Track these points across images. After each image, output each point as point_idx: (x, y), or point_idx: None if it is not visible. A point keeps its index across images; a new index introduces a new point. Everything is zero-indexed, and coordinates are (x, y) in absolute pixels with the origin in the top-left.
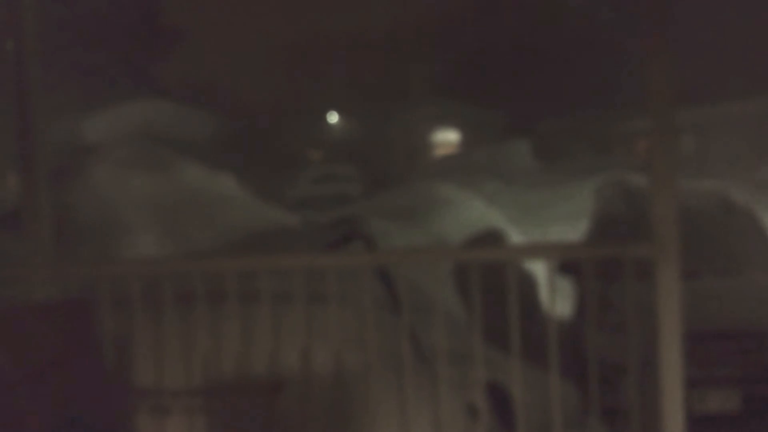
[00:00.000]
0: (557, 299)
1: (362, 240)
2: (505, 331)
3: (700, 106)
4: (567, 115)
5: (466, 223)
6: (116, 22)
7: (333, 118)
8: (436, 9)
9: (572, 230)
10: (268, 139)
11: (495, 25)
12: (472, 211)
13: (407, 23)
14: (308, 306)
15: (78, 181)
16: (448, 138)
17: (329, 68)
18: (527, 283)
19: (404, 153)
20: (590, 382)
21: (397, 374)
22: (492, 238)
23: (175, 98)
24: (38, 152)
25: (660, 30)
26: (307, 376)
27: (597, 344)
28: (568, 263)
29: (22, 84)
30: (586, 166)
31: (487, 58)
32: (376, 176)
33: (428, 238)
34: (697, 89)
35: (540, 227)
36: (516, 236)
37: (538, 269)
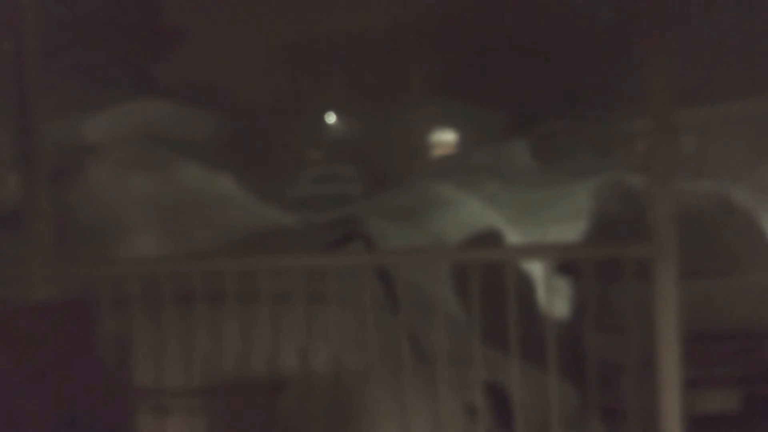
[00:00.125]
0: (555, 299)
1: (361, 240)
2: (504, 331)
3: (699, 106)
4: (566, 116)
5: (465, 223)
6: (116, 22)
7: (331, 118)
8: (436, 9)
9: (571, 230)
10: (268, 139)
11: (494, 26)
12: (470, 212)
13: (407, 23)
14: (308, 306)
15: (78, 181)
16: (447, 138)
17: (329, 68)
18: (526, 284)
19: (404, 153)
20: (589, 382)
21: (397, 374)
22: (491, 238)
23: (175, 98)
24: (38, 152)
25: (660, 30)
26: (307, 376)
27: (595, 344)
28: (566, 263)
29: (21, 84)
30: (585, 167)
31: (486, 58)
32: (375, 176)
33: (427, 239)
34: (697, 89)
35: (539, 227)
36: (515, 236)
37: (537, 269)
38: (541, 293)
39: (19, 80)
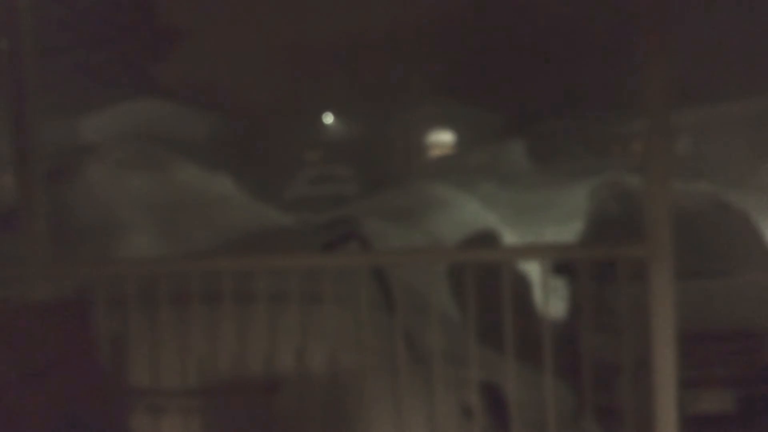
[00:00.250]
0: (552, 300)
1: (358, 240)
2: (501, 332)
3: (696, 107)
4: (563, 117)
5: (462, 223)
6: (115, 22)
7: (329, 118)
8: (434, 10)
9: (568, 231)
10: (266, 139)
11: (491, 26)
12: (468, 212)
13: (404, 24)
14: (304, 306)
15: (76, 181)
16: (444, 139)
17: (327, 69)
18: (522, 284)
19: (401, 153)
20: (585, 382)
21: (393, 374)
22: (487, 238)
23: (174, 98)
24: (35, 152)
25: (658, 31)
26: (304, 376)
27: (592, 344)
28: (563, 264)
29: (18, 83)
30: (582, 168)
31: (483, 59)
32: (373, 177)
33: (425, 239)
34: (694, 90)
35: (535, 228)
36: (511, 237)
37: (533, 270)
38: (537, 293)
39: (16, 80)
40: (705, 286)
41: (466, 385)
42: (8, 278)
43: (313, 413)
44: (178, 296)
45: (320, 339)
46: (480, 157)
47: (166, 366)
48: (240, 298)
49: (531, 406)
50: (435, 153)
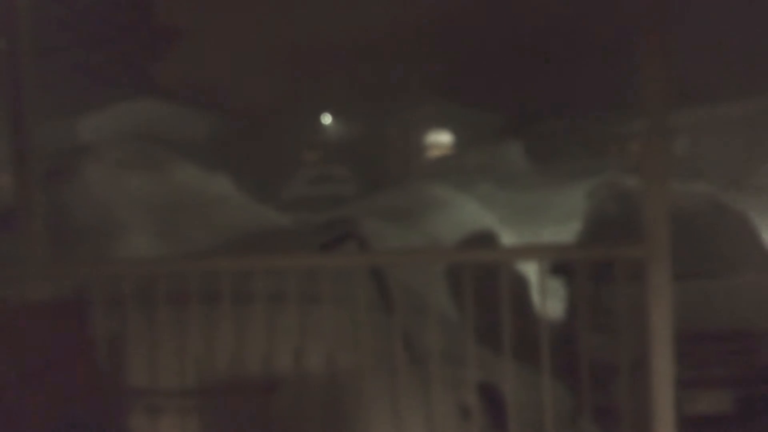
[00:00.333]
0: (549, 300)
1: (356, 240)
2: (498, 332)
3: (694, 107)
4: (561, 117)
5: (460, 224)
6: (114, 22)
7: (327, 119)
8: (433, 11)
9: (565, 232)
10: (265, 139)
11: (489, 28)
12: (465, 213)
13: (404, 25)
14: (302, 306)
15: (74, 181)
16: (442, 139)
17: (325, 69)
18: (520, 284)
19: (399, 154)
20: (582, 382)
21: (391, 375)
22: (485, 239)
23: (173, 98)
24: (33, 152)
25: (656, 31)
26: (301, 376)
27: (589, 345)
28: (561, 264)
29: (16, 83)
30: (579, 168)
31: (481, 59)
32: (371, 177)
33: (422, 239)
34: (692, 90)
35: (533, 228)
36: (509, 237)
37: (531, 270)
38: (535, 294)
39: (14, 80)
40: (702, 287)
41: (464, 385)
42: (7, 278)
43: (311, 413)
44: (177, 296)
45: (318, 339)
46: (478, 158)
47: (164, 366)
48: (238, 298)
49: (529, 407)
50: (433, 153)
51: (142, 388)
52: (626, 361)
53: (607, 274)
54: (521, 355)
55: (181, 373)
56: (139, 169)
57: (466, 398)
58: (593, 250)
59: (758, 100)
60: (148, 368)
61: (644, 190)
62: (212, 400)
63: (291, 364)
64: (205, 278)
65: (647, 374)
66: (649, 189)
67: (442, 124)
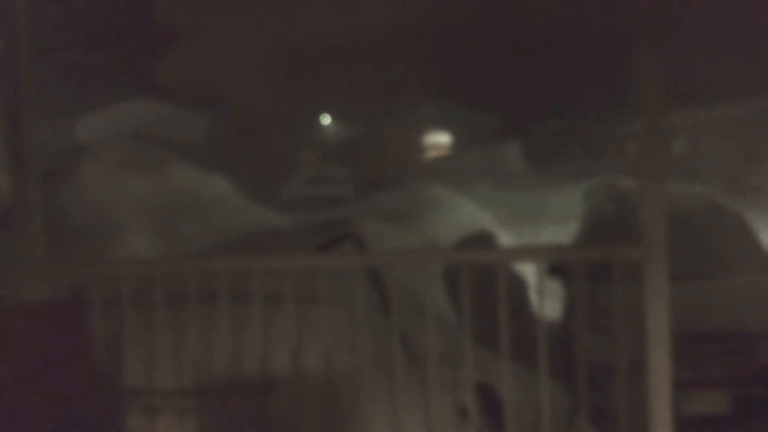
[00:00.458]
0: (547, 301)
1: (353, 241)
2: (496, 333)
3: (692, 108)
4: (560, 118)
5: (458, 225)
6: (113, 23)
7: (325, 120)
8: (432, 11)
9: (563, 232)
10: (263, 140)
11: (489, 28)
12: (463, 213)
13: (403, 26)
14: (300, 307)
15: (72, 181)
16: (440, 140)
17: (324, 70)
18: (518, 285)
19: (397, 155)
20: (580, 383)
21: (388, 375)
22: (483, 240)
23: (171, 99)
24: (31, 152)
25: (653, 32)
26: (299, 376)
27: (587, 345)
28: (558, 265)
29: (14, 83)
30: (577, 169)
31: (481, 60)
32: (369, 178)
33: (420, 240)
34: (691, 92)
35: (531, 229)
36: (506, 238)
37: (529, 271)
38: (532, 295)
39: (12, 80)
40: (700, 287)
41: (462, 385)
42: (5, 278)
43: (309, 414)
44: (174, 297)
45: (316, 339)
46: (476, 158)
47: (162, 366)
48: (236, 299)
49: (526, 407)
50: (431, 154)
51: (140, 388)
52: (623, 362)
53: (604, 275)
54: (519, 355)
55: (179, 374)
56: (138, 169)
57: (463, 398)
58: (591, 250)
59: (757, 101)
60: (146, 368)
61: (642, 190)
62: (210, 401)
63: (289, 365)
64: (202, 278)
65: (645, 375)
66: (647, 190)
67: (440, 124)
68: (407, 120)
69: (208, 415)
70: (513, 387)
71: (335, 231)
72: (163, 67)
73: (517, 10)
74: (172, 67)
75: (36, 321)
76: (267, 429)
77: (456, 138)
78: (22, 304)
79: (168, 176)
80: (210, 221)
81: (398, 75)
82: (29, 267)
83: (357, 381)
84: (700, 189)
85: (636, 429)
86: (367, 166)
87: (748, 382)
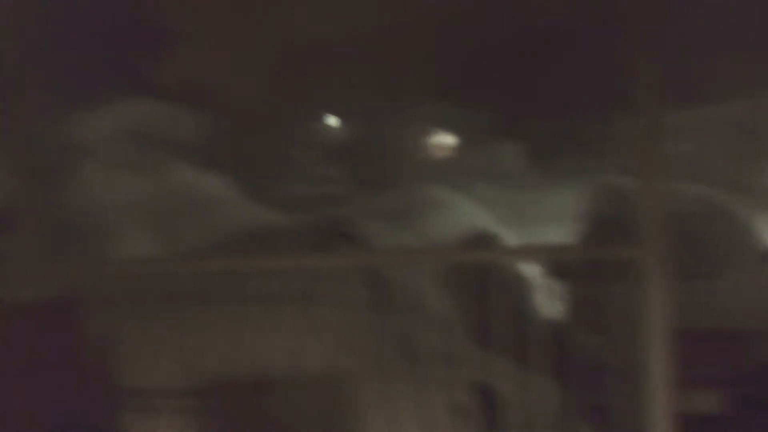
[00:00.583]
0: (547, 300)
1: (351, 241)
2: (494, 332)
3: (691, 108)
4: (559, 118)
5: (458, 225)
6: (110, 22)
7: (324, 119)
8: (432, 11)
9: (564, 232)
10: (261, 139)
11: (487, 29)
12: (464, 213)
13: (403, 25)
14: (297, 306)
15: (69, 181)
16: (440, 140)
17: (323, 69)
18: (518, 285)
19: (397, 155)
20: (578, 382)
21: (386, 374)
22: (483, 239)
23: (168, 98)
24: (27, 151)
25: (649, 30)
26: (297, 376)
27: (587, 345)
28: (559, 264)
29: (11, 83)
30: (578, 169)
31: (479, 60)
32: (369, 178)
33: (419, 240)
34: (690, 91)
35: (531, 229)
36: (508, 238)
37: (530, 271)
38: (533, 294)
39: (9, 79)
40: (698, 287)
41: (460, 385)
42: (1, 278)
43: (306, 413)
44: (171, 296)
45: (314, 339)
46: (476, 159)
47: (159, 366)
48: (233, 299)
49: (525, 407)
50: (431, 154)
51: (137, 388)
52: (622, 362)
53: (605, 274)
54: (518, 355)
55: (176, 374)
56: (135, 169)
57: (461, 398)
58: (591, 250)
59: (756, 101)
60: (143, 369)
61: (640, 191)
62: (207, 401)
63: (286, 365)
64: (200, 278)
65: (643, 375)
66: (645, 189)
67: (439, 124)
68: (407, 120)
69: (206, 415)
70: (511, 387)
71: (333, 231)
72: (161, 67)
73: (517, 10)
74: (170, 67)
75: (32, 321)
76: (265, 429)
77: (455, 138)
78: (17, 304)
79: (166, 176)
80: (208, 220)
81: (398, 75)
82: (25, 267)
83: (355, 380)
84: (699, 188)
85: (634, 429)
86: (366, 166)
87: (746, 382)
